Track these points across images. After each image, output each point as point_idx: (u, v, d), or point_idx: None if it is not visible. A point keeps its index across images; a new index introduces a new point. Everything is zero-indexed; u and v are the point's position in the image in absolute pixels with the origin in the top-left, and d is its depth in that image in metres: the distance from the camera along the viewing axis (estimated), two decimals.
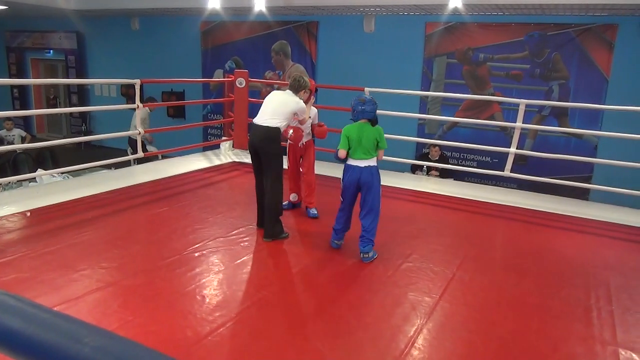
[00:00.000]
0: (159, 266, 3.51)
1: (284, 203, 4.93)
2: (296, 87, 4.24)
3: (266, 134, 4.02)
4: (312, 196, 4.83)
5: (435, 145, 7.53)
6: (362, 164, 3.72)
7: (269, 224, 4.09)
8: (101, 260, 3.53)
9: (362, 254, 3.74)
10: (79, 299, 2.97)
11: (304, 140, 4.79)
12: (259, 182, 4.25)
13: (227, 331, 2.73)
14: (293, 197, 4.97)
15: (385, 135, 3.84)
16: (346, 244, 4.07)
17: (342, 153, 3.80)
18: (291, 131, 4.40)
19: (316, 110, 4.81)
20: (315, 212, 4.76)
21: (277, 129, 4.06)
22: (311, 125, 4.74)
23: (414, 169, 7.61)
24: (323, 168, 5.60)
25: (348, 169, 3.79)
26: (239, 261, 3.67)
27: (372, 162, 3.75)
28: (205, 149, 7.69)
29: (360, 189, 3.77)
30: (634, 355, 2.73)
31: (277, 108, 4.09)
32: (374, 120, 3.81)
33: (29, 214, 4.43)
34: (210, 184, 5.83)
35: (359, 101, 3.78)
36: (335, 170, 5.18)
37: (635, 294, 3.47)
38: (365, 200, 3.76)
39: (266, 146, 4.03)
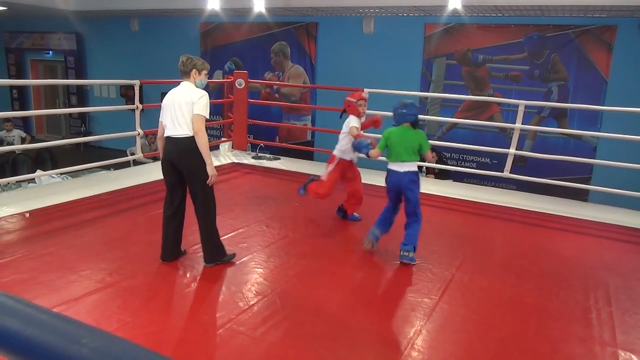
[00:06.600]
0: (158, 267, 3.51)
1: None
2: (186, 71, 3.52)
3: (185, 146, 3.34)
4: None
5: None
6: (401, 169, 3.79)
7: (209, 249, 3.55)
8: (100, 261, 3.52)
9: (401, 252, 3.77)
10: (78, 300, 2.97)
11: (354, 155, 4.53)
12: (173, 201, 3.52)
13: (226, 332, 2.73)
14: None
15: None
16: (341, 247, 4.07)
17: (375, 153, 3.94)
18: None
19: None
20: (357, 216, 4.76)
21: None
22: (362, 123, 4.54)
23: None
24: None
25: (389, 174, 3.89)
26: (238, 262, 3.67)
27: (412, 167, 3.82)
28: None
29: (401, 192, 3.86)
30: (633, 356, 2.72)
31: (186, 113, 3.36)
32: (415, 124, 3.87)
33: (28, 214, 4.43)
34: None
35: (400, 105, 3.83)
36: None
37: (634, 295, 3.47)
38: (405, 202, 3.86)
39: (188, 161, 3.36)
